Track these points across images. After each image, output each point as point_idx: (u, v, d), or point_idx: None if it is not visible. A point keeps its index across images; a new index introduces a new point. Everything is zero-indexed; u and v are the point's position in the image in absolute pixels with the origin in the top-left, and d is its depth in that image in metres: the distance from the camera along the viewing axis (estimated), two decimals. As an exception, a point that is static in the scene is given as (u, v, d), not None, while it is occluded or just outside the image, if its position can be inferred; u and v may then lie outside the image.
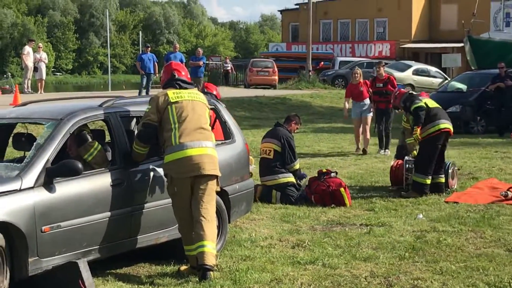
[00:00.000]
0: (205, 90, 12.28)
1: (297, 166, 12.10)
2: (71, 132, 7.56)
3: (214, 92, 12.21)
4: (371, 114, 17.88)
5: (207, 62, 43.29)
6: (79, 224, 7.13)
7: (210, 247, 7.47)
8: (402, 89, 13.53)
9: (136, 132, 8.15)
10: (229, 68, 48.12)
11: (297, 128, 12.64)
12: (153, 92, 26.88)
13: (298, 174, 12.11)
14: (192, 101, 7.83)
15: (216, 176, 7.74)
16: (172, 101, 7.75)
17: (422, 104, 12.24)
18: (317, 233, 9.54)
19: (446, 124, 12.30)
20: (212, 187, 7.70)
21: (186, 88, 7.95)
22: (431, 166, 12.12)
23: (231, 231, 9.32)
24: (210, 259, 7.44)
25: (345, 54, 56.42)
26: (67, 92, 44.36)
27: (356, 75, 17.78)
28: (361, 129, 17.88)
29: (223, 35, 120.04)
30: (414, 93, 13.28)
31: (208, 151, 7.68)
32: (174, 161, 7.59)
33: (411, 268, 7.89)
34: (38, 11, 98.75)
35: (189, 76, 8.36)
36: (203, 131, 7.74)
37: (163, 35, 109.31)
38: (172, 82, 7.97)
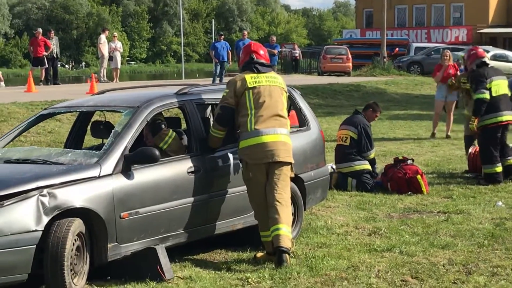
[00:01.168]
0: None
1: (372, 155, 11.95)
2: (148, 120, 7.63)
3: None
4: (456, 99, 17.70)
5: (280, 50, 43.15)
6: (156, 210, 7.20)
7: (286, 230, 7.46)
8: (480, 50, 12.66)
9: (213, 117, 8.16)
10: (297, 54, 47.88)
11: (376, 117, 12.45)
12: (226, 80, 27.00)
13: (373, 163, 11.98)
14: (270, 86, 7.79)
15: (290, 163, 7.72)
16: (249, 86, 7.73)
17: (485, 96, 11.81)
18: (393, 220, 9.45)
19: (506, 117, 11.93)
20: (287, 173, 7.68)
21: (264, 72, 7.92)
22: (496, 154, 11.86)
23: (306, 218, 9.29)
24: (286, 242, 7.43)
25: (420, 40, 55.71)
26: (141, 81, 44.88)
27: (446, 57, 17.62)
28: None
29: (296, 23, 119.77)
30: (488, 67, 12.26)
31: (283, 138, 7.66)
32: (249, 147, 7.59)
33: (490, 255, 7.75)
34: (113, 1, 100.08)
35: (268, 55, 8.25)
36: (278, 118, 7.71)
37: (235, 23, 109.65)
38: (250, 65, 7.92)
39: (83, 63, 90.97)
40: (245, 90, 7.71)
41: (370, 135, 11.95)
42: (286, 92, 8.02)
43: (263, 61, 7.98)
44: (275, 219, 7.49)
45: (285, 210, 7.56)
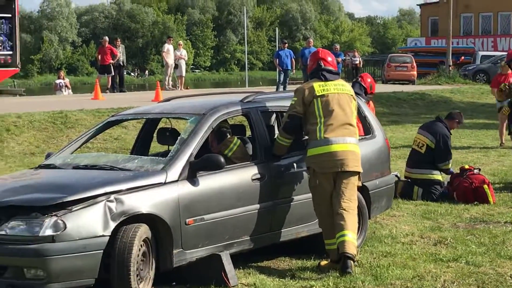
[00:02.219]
0: (358, 80, 12.15)
1: (449, 166, 11.73)
2: (213, 127, 7.68)
3: (369, 81, 12.05)
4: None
5: (344, 58, 43.02)
6: (221, 217, 7.24)
7: (351, 237, 7.44)
8: None
9: (279, 124, 8.16)
10: (357, 62, 47.59)
11: (457, 127, 12.22)
12: (290, 88, 27.03)
13: (448, 173, 11.74)
14: (338, 94, 7.77)
15: (358, 172, 7.69)
16: (318, 94, 7.72)
17: None
18: (459, 230, 9.32)
19: None
20: (354, 182, 7.66)
21: (332, 80, 7.89)
22: None
23: (371, 227, 9.23)
24: (351, 248, 7.39)
25: (486, 49, 54.86)
26: (205, 88, 45.19)
27: (500, 64, 17.31)
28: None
29: (360, 31, 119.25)
30: None
31: (352, 147, 7.64)
32: (317, 155, 7.59)
33: (560, 268, 7.60)
34: (178, 9, 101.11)
35: (335, 62, 8.21)
36: (348, 127, 7.69)
37: (299, 31, 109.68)
38: (318, 72, 7.90)
39: (148, 71, 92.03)
40: (314, 99, 7.70)
41: (449, 146, 11.70)
42: (354, 100, 7.98)
43: (331, 68, 7.95)
44: (341, 226, 7.47)
45: (351, 218, 7.53)
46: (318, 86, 7.77)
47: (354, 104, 7.94)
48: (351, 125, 7.73)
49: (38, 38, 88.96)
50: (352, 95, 7.92)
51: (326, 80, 7.83)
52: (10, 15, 18.84)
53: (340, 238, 7.44)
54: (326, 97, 7.70)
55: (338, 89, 7.80)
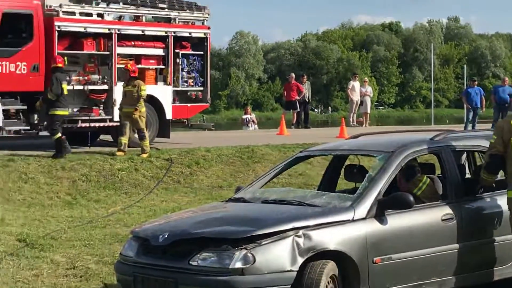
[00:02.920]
0: None
1: None
2: (402, 165, 7.58)
3: None
4: None
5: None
6: (410, 257, 7.12)
7: None
8: None
9: (472, 165, 7.96)
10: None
11: None
12: (479, 127, 26.30)
13: None
14: None
15: None
16: None
17: None
18: None
19: None
20: None
21: None
22: None
23: None
24: None
25: None
26: (389, 126, 44.83)
27: None
28: None
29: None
30: None
31: None
32: None
33: None
34: (363, 46, 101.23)
35: None
36: None
37: (488, 69, 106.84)
38: None
39: (331, 107, 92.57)
40: (511, 138, 7.45)
41: None
42: None
43: None
44: None
45: None
46: None
47: None
48: None
49: (226, 74, 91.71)
50: None
51: None
52: (202, 53, 19.48)
53: None
54: None
55: None
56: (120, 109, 16.38)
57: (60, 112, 15.61)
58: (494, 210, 7.70)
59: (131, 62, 17.29)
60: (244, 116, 31.51)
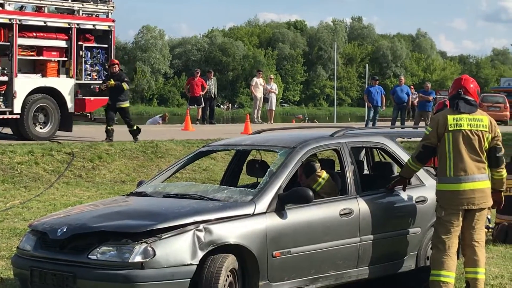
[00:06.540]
0: None
1: None
2: (303, 160, 7.69)
3: None
4: None
5: (436, 96, 42.52)
6: (308, 251, 7.23)
7: (483, 274, 7.65)
8: None
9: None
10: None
11: None
12: (379, 125, 26.84)
13: None
14: (470, 131, 7.64)
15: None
16: (450, 129, 7.62)
17: None
18: (552, 275, 9.05)
19: None
20: (484, 215, 7.76)
21: (467, 112, 7.69)
22: None
23: (459, 268, 9.02)
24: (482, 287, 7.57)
25: None
26: (294, 123, 45.25)
27: None
28: None
29: (452, 69, 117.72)
30: None
31: (480, 185, 7.63)
32: (446, 191, 7.63)
33: None
34: (269, 44, 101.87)
35: (478, 92, 7.94)
36: (477, 164, 7.64)
37: (389, 69, 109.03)
38: (454, 100, 7.76)
39: (237, 104, 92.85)
40: (445, 132, 7.64)
41: None
42: (489, 133, 7.78)
43: (469, 98, 7.77)
44: (474, 261, 7.63)
45: (482, 252, 7.71)
46: (452, 120, 7.65)
47: (487, 137, 7.73)
48: (480, 161, 7.66)
49: (131, 68, 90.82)
50: (486, 130, 7.73)
51: (460, 112, 7.67)
52: (106, 46, 19.28)
53: (473, 274, 7.63)
54: (458, 133, 7.60)
55: (471, 125, 7.66)
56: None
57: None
58: (393, 205, 7.90)
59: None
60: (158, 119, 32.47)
